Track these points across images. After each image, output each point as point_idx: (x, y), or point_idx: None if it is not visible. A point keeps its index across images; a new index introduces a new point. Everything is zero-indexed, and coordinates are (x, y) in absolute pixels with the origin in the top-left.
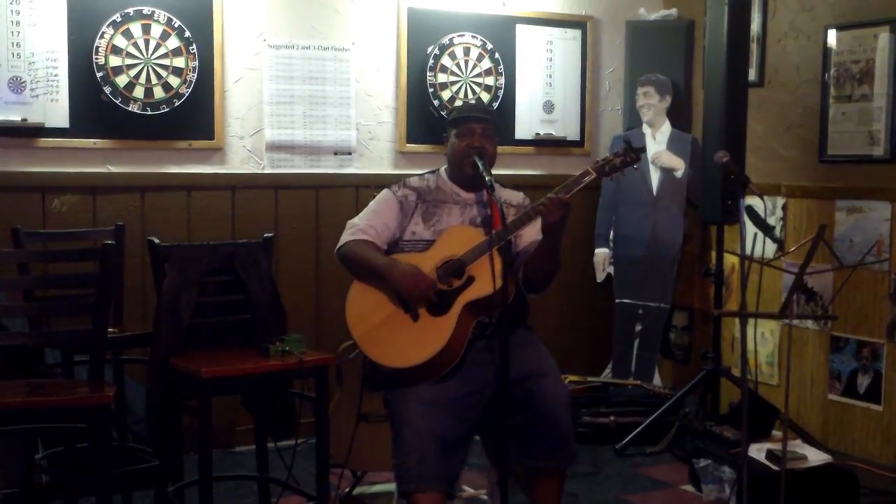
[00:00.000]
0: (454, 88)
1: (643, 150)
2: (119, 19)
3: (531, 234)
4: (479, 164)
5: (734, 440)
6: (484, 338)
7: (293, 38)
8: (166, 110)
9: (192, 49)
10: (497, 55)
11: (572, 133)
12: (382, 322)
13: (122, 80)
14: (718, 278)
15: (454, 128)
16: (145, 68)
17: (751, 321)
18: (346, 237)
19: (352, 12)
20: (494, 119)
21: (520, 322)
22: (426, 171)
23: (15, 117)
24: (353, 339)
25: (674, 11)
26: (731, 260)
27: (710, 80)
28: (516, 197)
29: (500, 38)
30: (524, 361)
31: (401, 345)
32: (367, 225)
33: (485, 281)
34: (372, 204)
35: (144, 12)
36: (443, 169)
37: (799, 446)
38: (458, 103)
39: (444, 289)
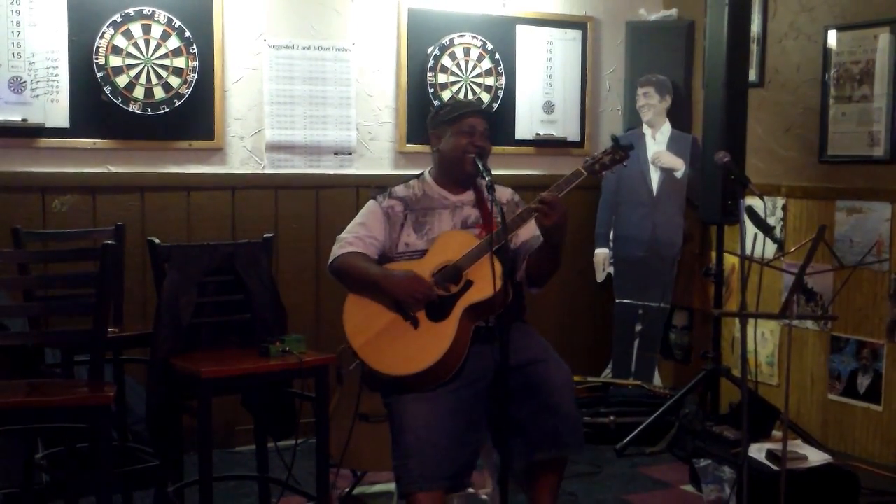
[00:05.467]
0: (454, 89)
1: (631, 147)
2: (119, 19)
3: (528, 231)
4: (480, 165)
5: (734, 440)
6: (481, 342)
7: (293, 38)
8: (166, 110)
9: (193, 49)
10: (497, 55)
11: (572, 133)
12: (382, 331)
13: (122, 81)
14: (718, 278)
15: (452, 125)
16: (145, 68)
17: (751, 321)
18: (336, 251)
19: (352, 12)
20: (491, 118)
21: (517, 320)
22: (411, 176)
23: (15, 117)
24: (354, 350)
25: (674, 12)
26: (731, 260)
27: (710, 80)
28: (505, 193)
29: (501, 38)
30: (522, 349)
31: (403, 353)
32: (355, 237)
33: (483, 284)
34: (358, 217)
35: (145, 12)
36: (427, 172)
37: (799, 446)
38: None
39: (442, 294)
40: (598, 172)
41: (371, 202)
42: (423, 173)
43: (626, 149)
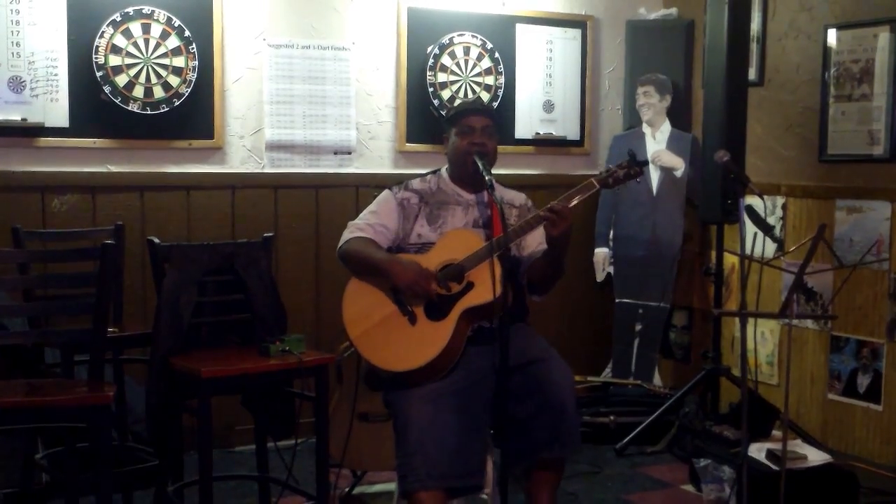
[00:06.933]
0: (454, 88)
1: (646, 163)
2: (119, 19)
3: (535, 239)
4: (479, 164)
5: (734, 440)
6: (483, 342)
7: (293, 37)
8: (166, 110)
9: (192, 48)
10: (497, 55)
11: (572, 133)
12: (380, 323)
13: (121, 80)
14: (718, 278)
15: (454, 125)
16: (145, 68)
17: (751, 321)
18: (346, 236)
19: (352, 12)
20: (494, 115)
21: (518, 322)
22: (427, 171)
23: (15, 117)
24: (350, 340)
25: (674, 11)
26: (731, 259)
27: (710, 79)
28: (518, 198)
29: (500, 37)
30: (525, 349)
31: (398, 348)
32: (365, 224)
33: (484, 288)
34: (372, 205)
35: (144, 12)
36: (444, 169)
37: (799, 446)
38: (457, 103)
39: (443, 293)
40: (612, 186)
41: (386, 192)
42: (439, 170)
43: (641, 164)
